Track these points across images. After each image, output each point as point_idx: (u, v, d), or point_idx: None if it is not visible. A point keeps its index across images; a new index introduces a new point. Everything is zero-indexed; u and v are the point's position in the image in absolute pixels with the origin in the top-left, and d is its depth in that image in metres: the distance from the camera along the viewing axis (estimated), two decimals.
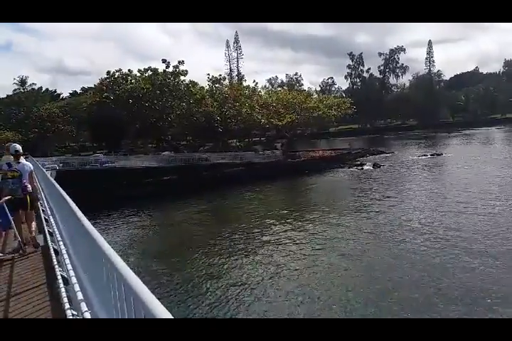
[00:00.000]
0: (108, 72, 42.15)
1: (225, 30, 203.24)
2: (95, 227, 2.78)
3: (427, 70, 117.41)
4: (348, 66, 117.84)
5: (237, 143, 51.72)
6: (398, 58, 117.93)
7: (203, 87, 45.36)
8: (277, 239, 17.98)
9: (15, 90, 68.60)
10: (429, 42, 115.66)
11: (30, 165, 7.24)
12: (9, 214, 6.17)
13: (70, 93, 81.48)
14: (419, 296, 11.24)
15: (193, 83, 43.23)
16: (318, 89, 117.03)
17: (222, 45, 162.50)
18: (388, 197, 25.75)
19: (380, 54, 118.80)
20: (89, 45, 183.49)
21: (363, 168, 40.75)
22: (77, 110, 57.70)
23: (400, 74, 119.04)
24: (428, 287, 11.84)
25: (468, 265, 13.29)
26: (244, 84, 48.32)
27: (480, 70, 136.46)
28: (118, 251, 2.61)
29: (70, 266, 4.26)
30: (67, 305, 3.49)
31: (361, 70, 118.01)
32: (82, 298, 3.12)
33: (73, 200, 4.44)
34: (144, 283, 1.44)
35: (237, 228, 20.42)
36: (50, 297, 4.47)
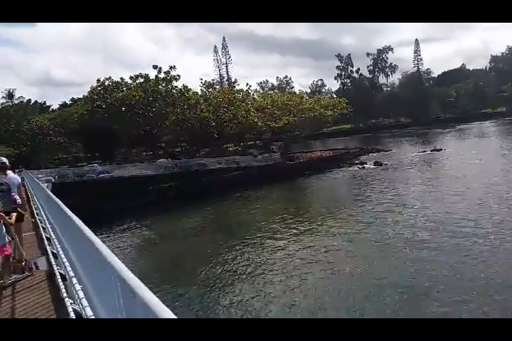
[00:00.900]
0: (98, 80, 41.31)
1: (211, 36, 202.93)
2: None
3: (415, 68, 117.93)
4: (338, 67, 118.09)
5: (234, 148, 51.06)
6: (387, 58, 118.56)
7: (196, 92, 44.67)
8: (285, 245, 17.21)
9: (2, 104, 67.38)
10: (416, 41, 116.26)
11: (18, 178, 7.14)
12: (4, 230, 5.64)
13: (59, 104, 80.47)
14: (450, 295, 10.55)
15: (186, 88, 42.50)
16: (309, 91, 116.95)
17: (208, 51, 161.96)
18: (398, 195, 25.13)
19: (368, 54, 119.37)
20: (75, 56, 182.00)
21: (364, 167, 40.20)
22: (67, 121, 56.67)
23: (389, 73, 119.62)
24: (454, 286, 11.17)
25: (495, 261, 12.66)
26: (238, 87, 47.72)
27: (467, 67, 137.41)
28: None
29: (81, 294, 3.59)
30: None
31: (351, 71, 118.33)
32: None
33: (74, 214, 4.12)
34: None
35: (243, 235, 19.59)
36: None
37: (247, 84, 48.83)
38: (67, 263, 4.84)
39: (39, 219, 9.77)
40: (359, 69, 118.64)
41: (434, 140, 64.07)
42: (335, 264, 13.99)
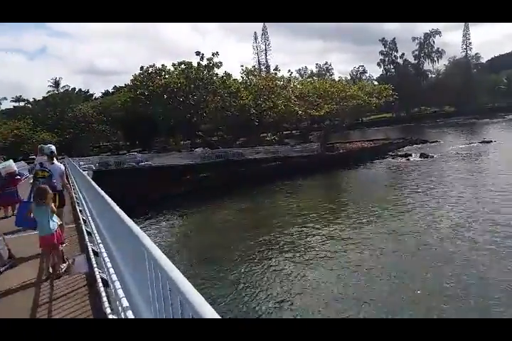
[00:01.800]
0: (141, 68, 41.41)
1: (251, 24, 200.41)
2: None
3: (463, 54, 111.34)
4: (381, 52, 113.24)
5: (272, 137, 50.21)
6: (433, 42, 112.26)
7: (236, 80, 43.96)
8: (327, 239, 16.46)
9: (49, 92, 69.61)
10: (466, 24, 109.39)
11: (62, 166, 7.61)
12: None
13: (102, 93, 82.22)
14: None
15: (228, 75, 41.81)
16: (349, 78, 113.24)
17: (247, 39, 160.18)
18: (447, 190, 23.58)
19: (413, 39, 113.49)
20: (118, 45, 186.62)
21: (409, 159, 38.33)
22: (109, 109, 57.66)
23: (436, 58, 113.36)
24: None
25: None
26: (279, 74, 46.48)
27: None
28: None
29: (125, 302, 3.20)
30: None
31: (395, 56, 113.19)
32: None
33: (114, 204, 3.85)
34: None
35: (282, 227, 18.99)
36: None
37: (289, 70, 47.50)
38: (109, 264, 4.34)
39: (80, 210, 9.51)
40: (403, 54, 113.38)
41: (482, 131, 60.45)
42: (382, 264, 13.12)
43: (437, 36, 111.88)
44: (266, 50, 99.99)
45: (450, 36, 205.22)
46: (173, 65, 42.10)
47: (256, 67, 76.39)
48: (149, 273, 2.11)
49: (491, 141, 44.15)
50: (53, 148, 7.58)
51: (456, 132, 62.87)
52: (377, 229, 17.27)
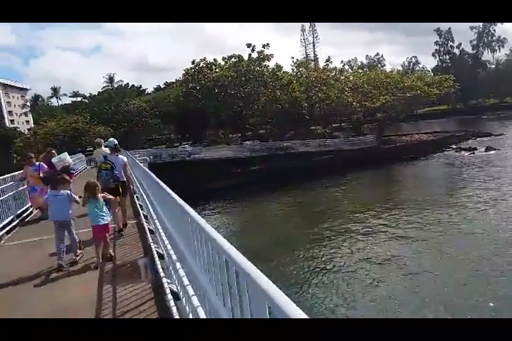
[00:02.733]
0: (193, 62, 41.58)
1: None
2: None
3: None
4: (436, 42, 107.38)
5: (322, 130, 48.89)
6: (494, 30, 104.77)
7: (286, 72, 43.08)
8: (388, 238, 15.38)
9: (104, 87, 72.18)
10: None
11: (125, 159, 8.03)
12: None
13: (154, 88, 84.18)
14: None
15: (279, 67, 41.03)
16: (400, 69, 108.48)
17: (289, 34, 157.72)
18: None
19: (471, 28, 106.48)
20: (167, 43, 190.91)
21: (474, 153, 35.76)
22: (162, 104, 58.70)
23: (496, 48, 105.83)
24: None
25: None
26: (330, 66, 45.00)
27: None
28: None
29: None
30: None
31: (451, 46, 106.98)
32: None
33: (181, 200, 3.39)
34: None
35: (333, 224, 18.09)
36: None
37: (342, 61, 45.90)
38: (181, 272, 3.49)
39: (139, 204, 9.08)
40: (460, 44, 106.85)
41: None
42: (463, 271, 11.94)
43: (498, 24, 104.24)
44: (314, 42, 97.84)
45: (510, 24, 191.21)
46: (224, 58, 41.96)
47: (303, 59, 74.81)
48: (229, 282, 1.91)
49: None
50: (116, 141, 8.06)
51: None
52: (447, 228, 15.94)
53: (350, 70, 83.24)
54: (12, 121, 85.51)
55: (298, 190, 27.20)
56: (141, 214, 8.05)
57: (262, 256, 14.22)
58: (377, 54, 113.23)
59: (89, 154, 30.70)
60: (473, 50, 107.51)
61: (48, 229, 6.38)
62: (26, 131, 60.32)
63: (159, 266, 4.85)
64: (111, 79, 73.05)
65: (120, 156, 7.90)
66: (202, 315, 2.63)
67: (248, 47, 40.01)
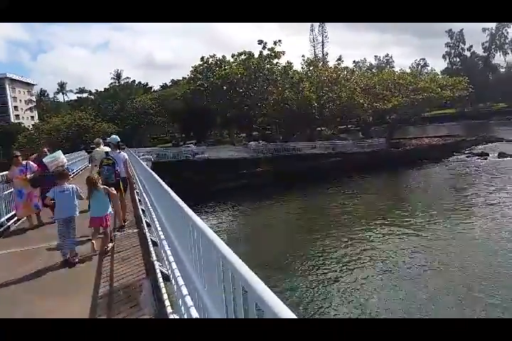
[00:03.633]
0: (202, 58, 40.73)
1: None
2: None
3: None
4: (447, 44, 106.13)
5: (330, 132, 47.94)
6: (507, 33, 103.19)
7: (296, 71, 42.13)
8: (393, 247, 14.56)
9: (111, 83, 71.62)
10: None
11: (125, 155, 8.24)
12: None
13: (160, 85, 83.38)
14: None
15: (290, 65, 40.07)
16: (408, 71, 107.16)
17: (297, 33, 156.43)
18: None
19: (484, 29, 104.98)
20: (175, 40, 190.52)
21: (486, 159, 34.75)
22: (168, 101, 58.07)
23: (509, 51, 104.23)
24: None
25: None
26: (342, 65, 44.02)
27: None
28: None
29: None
30: None
31: (462, 49, 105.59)
32: None
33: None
34: None
35: (346, 230, 17.22)
36: None
37: (354, 61, 44.99)
38: (189, 302, 2.76)
39: (142, 209, 8.26)
40: (471, 46, 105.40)
41: None
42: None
43: None
44: (323, 42, 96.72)
45: None
46: (233, 55, 41.09)
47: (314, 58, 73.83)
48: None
49: None
50: (118, 138, 8.27)
51: None
52: (459, 237, 15.07)
53: (358, 71, 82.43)
54: (17, 116, 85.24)
55: (306, 194, 26.33)
56: (144, 222, 7.28)
57: (273, 266, 13.43)
58: (387, 55, 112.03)
59: (91, 151, 30.01)
60: (484, 52, 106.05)
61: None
62: (31, 127, 59.86)
63: (164, 291, 4.10)
64: (118, 76, 72.52)
65: (122, 153, 8.17)
66: None
67: (259, 43, 39.15)
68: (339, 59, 44.69)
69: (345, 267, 13.06)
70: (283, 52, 39.02)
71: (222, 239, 1.94)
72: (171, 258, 3.85)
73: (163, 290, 4.16)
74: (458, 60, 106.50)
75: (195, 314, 2.55)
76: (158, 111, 55.80)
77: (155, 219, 5.99)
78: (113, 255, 5.93)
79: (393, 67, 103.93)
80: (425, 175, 31.43)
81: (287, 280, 12.29)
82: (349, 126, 68.41)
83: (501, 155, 35.04)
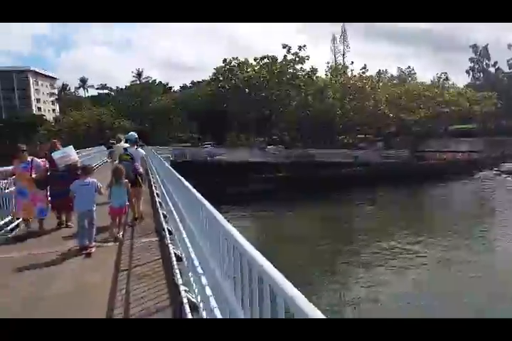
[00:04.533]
0: (224, 60, 40.43)
1: (321, 25, 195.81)
2: None
3: None
4: (471, 59, 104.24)
5: (352, 140, 47.15)
6: None
7: (321, 77, 41.57)
8: (412, 261, 13.87)
9: (132, 81, 71.92)
10: None
11: (143, 152, 8.67)
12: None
13: (180, 86, 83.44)
14: None
15: (314, 70, 39.51)
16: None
17: (314, 42, 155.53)
18: None
19: (510, 46, 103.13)
20: (197, 43, 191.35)
21: None
22: (187, 102, 57.99)
23: None
24: None
25: None
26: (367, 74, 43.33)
27: None
28: None
29: None
30: None
31: (486, 64, 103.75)
32: None
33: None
34: None
35: (363, 244, 16.58)
36: None
37: (379, 70, 44.38)
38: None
39: (163, 214, 7.08)
40: (496, 62, 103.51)
41: None
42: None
43: None
44: (344, 51, 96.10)
45: None
46: (255, 59, 40.66)
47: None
48: None
49: None
50: (136, 135, 8.64)
51: None
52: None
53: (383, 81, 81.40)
54: (39, 109, 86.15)
55: (321, 203, 25.37)
56: (165, 229, 6.15)
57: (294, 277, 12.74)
58: (409, 67, 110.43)
59: (110, 147, 29.70)
60: (510, 69, 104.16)
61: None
62: (51, 120, 60.29)
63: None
64: (139, 75, 72.74)
65: (139, 150, 8.48)
66: None
67: (284, 47, 38.70)
68: (364, 68, 44.03)
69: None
70: (307, 57, 38.51)
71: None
72: (204, 280, 3.04)
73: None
74: (482, 75, 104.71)
75: None
76: (178, 111, 55.70)
77: (181, 229, 4.78)
78: (130, 270, 4.76)
79: (415, 79, 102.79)
80: (450, 191, 30.37)
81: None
82: (368, 136, 67.56)
83: None
